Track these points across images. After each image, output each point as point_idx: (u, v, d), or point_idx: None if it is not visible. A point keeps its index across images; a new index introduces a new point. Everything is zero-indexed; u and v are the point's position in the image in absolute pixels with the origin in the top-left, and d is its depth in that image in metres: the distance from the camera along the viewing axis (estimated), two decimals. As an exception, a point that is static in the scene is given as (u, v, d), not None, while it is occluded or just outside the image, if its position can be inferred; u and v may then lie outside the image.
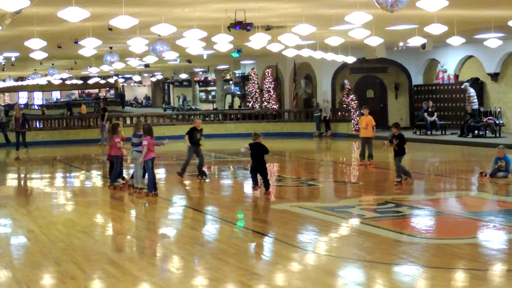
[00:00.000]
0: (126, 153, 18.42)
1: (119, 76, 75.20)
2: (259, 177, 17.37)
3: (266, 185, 17.25)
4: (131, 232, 13.56)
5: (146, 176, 17.61)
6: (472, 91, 33.72)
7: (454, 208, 15.73)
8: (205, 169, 20.66)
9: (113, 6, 18.81)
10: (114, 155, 18.35)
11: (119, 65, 33.38)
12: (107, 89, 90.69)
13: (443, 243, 11.55)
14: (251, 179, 17.62)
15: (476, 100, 33.45)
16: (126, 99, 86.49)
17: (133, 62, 37.09)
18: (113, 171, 18.56)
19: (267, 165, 17.70)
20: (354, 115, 37.64)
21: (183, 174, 20.42)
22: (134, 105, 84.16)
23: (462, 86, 34.35)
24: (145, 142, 16.76)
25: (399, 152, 18.64)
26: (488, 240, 11.82)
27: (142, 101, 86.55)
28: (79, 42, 25.02)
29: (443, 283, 9.04)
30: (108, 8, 19.43)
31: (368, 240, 11.93)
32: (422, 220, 13.99)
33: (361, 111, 24.76)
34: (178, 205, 16.85)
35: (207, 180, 20.15)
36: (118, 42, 28.90)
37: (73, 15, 15.73)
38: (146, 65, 42.50)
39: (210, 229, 13.66)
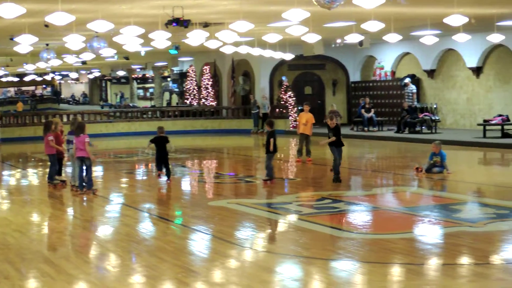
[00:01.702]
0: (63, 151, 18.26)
1: (56, 73, 74.33)
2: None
3: (168, 173, 18.65)
4: (67, 230, 13.42)
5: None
6: (413, 88, 34.17)
7: (390, 203, 15.90)
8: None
9: (49, 3, 18.57)
10: (49, 154, 18.12)
11: (55, 62, 33.00)
12: (44, 86, 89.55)
13: (379, 238, 11.67)
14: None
15: (415, 97, 33.95)
16: (63, 96, 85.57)
17: (70, 59, 36.74)
18: (49, 170, 18.38)
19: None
20: (292, 112, 37.81)
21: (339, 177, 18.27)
22: (71, 103, 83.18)
23: (406, 81, 34.74)
24: (74, 141, 16.85)
25: (269, 150, 18.29)
26: (423, 235, 11.97)
27: (79, 99, 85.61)
28: (14, 39, 24.67)
29: (379, 278, 9.12)
30: (44, 5, 19.19)
31: (305, 236, 12.00)
32: (359, 215, 14.13)
33: (301, 108, 24.66)
34: (115, 202, 16.70)
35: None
36: (54, 38, 28.56)
37: (9, 11, 15.55)
38: (83, 62, 42.00)
39: (147, 226, 13.59)
